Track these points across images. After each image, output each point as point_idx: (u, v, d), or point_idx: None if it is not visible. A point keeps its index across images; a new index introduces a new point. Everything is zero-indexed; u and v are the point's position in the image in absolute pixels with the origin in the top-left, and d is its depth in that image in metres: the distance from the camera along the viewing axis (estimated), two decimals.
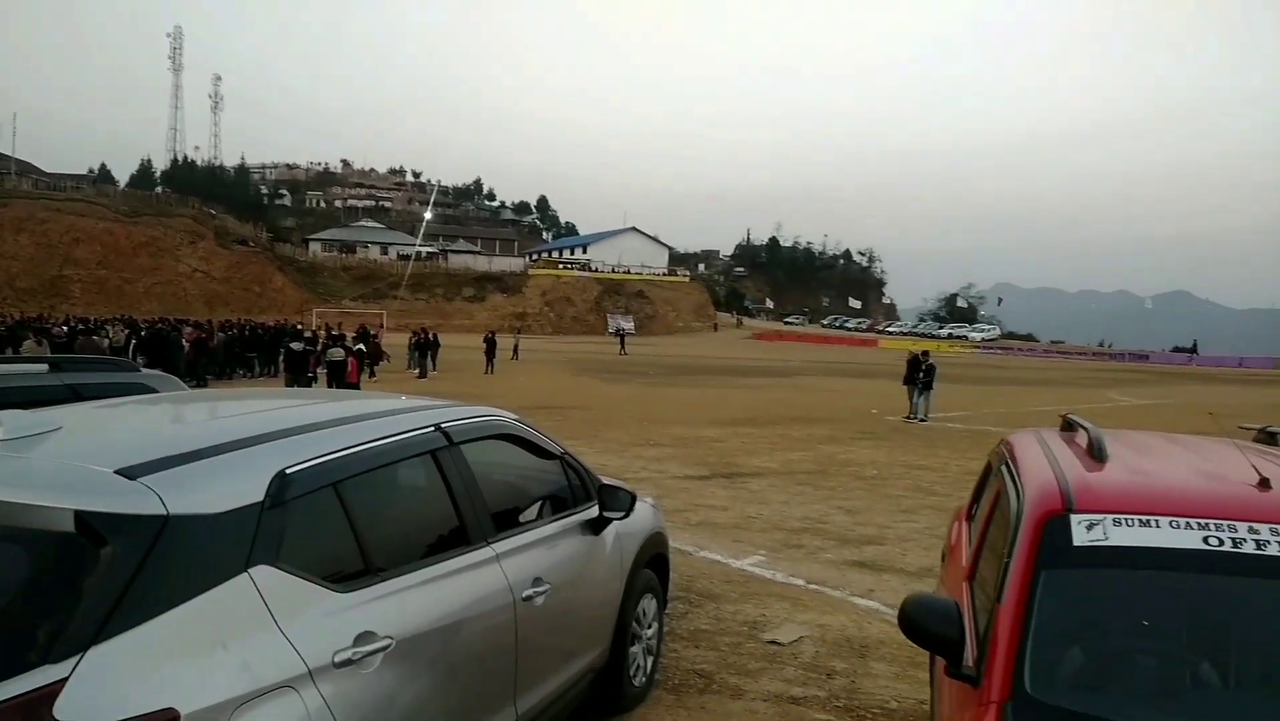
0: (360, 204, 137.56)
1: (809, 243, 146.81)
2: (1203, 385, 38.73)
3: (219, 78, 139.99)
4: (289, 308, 65.49)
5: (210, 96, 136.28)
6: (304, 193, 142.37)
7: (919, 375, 18.83)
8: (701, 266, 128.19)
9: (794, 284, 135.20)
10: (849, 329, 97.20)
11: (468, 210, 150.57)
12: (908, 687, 4.60)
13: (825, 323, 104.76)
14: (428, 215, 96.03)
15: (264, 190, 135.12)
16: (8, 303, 55.12)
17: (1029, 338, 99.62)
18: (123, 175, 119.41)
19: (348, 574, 2.45)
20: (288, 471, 2.33)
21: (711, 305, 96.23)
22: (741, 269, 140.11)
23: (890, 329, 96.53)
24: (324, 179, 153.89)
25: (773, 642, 5.18)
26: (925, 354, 19.71)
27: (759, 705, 4.34)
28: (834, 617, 5.69)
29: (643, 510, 4.40)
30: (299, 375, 19.56)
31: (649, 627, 4.45)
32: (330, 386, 18.85)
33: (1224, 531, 2.14)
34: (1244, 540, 2.11)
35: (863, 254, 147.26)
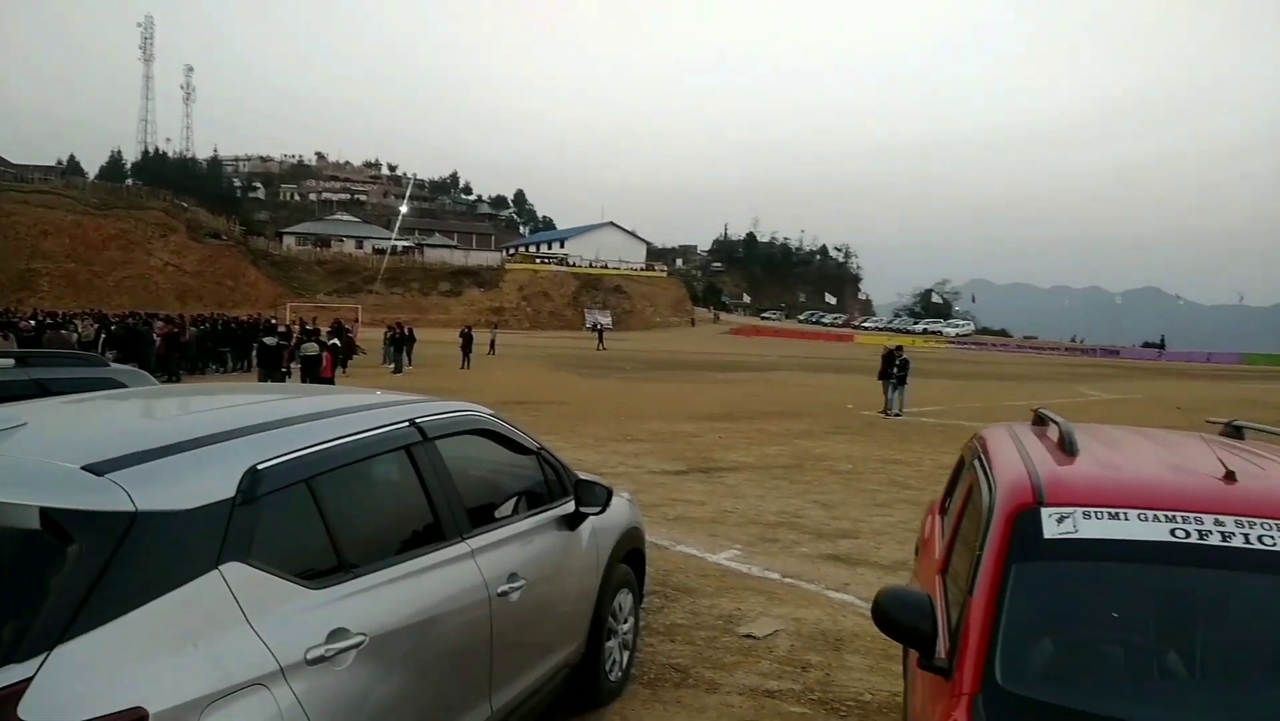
0: (335, 197, 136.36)
1: (786, 238, 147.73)
2: (1172, 380, 39.34)
3: (191, 68, 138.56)
4: (262, 302, 64.77)
5: (182, 87, 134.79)
6: (278, 185, 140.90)
7: (893, 370, 18.97)
8: (679, 261, 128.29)
9: (771, 279, 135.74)
10: (825, 324, 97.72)
11: (444, 204, 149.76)
12: (881, 680, 4.64)
13: (802, 318, 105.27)
14: (403, 209, 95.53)
15: (237, 183, 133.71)
16: None
17: (1002, 333, 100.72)
18: (92, 167, 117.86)
19: (321, 570, 2.43)
20: (259, 467, 2.31)
21: (689, 300, 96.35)
22: (719, 264, 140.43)
23: (866, 324, 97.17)
24: (298, 172, 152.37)
25: (748, 636, 5.20)
26: (899, 349, 19.86)
27: (734, 699, 4.36)
28: (809, 611, 5.72)
29: (619, 505, 4.40)
30: (272, 370, 19.34)
31: (625, 622, 4.45)
32: (304, 381, 18.67)
33: (1190, 524, 2.17)
34: (1210, 532, 2.14)
35: (839, 249, 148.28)
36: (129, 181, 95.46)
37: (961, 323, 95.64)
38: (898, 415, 18.64)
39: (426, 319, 65.76)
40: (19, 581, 1.91)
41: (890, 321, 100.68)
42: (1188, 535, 2.14)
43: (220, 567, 2.10)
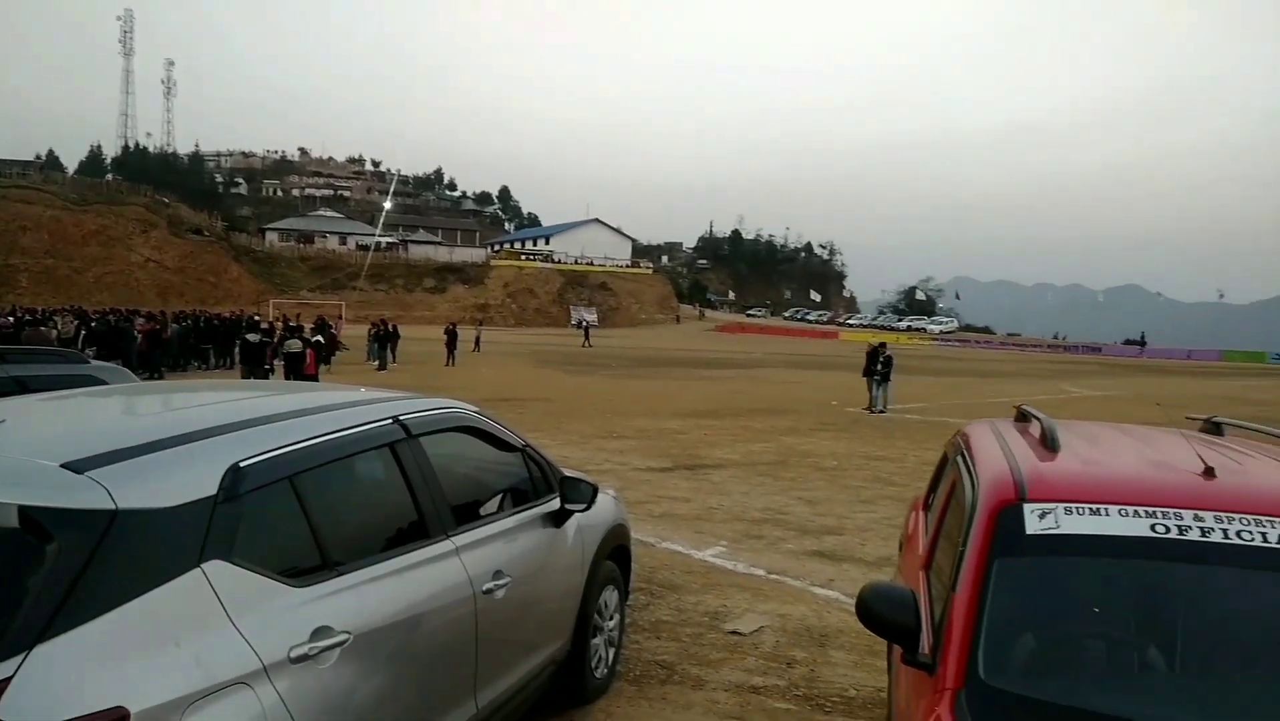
0: (318, 193, 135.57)
1: (771, 235, 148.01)
2: (1152, 377, 39.72)
3: (172, 62, 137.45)
4: (245, 298, 64.33)
5: (163, 82, 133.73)
6: (260, 181, 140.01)
7: (877, 367, 19.05)
8: (665, 259, 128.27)
9: (756, 276, 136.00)
10: (810, 321, 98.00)
11: (428, 200, 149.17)
12: (866, 676, 4.66)
13: (787, 315, 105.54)
14: (387, 205, 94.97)
15: (219, 178, 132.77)
16: None
17: (986, 330, 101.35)
18: (71, 162, 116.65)
19: (304, 568, 2.41)
20: (242, 465, 2.29)
21: (674, 297, 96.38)
22: (704, 261, 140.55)
23: (850, 321, 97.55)
24: (281, 167, 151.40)
25: (734, 633, 5.22)
26: (882, 345, 19.94)
27: (720, 695, 4.37)
28: (794, 607, 5.74)
29: (604, 502, 4.39)
30: (255, 367, 19.22)
31: (611, 619, 4.45)
32: (288, 378, 18.56)
33: (1170, 519, 2.19)
34: (1189, 527, 2.16)
35: (824, 247, 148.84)
36: (109, 176, 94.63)
37: (945, 320, 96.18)
38: (882, 411, 18.72)
39: (411, 316, 65.49)
40: None
41: (875, 318, 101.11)
42: (1168, 530, 2.16)
43: (202, 566, 2.09)
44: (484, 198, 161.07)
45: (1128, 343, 75.68)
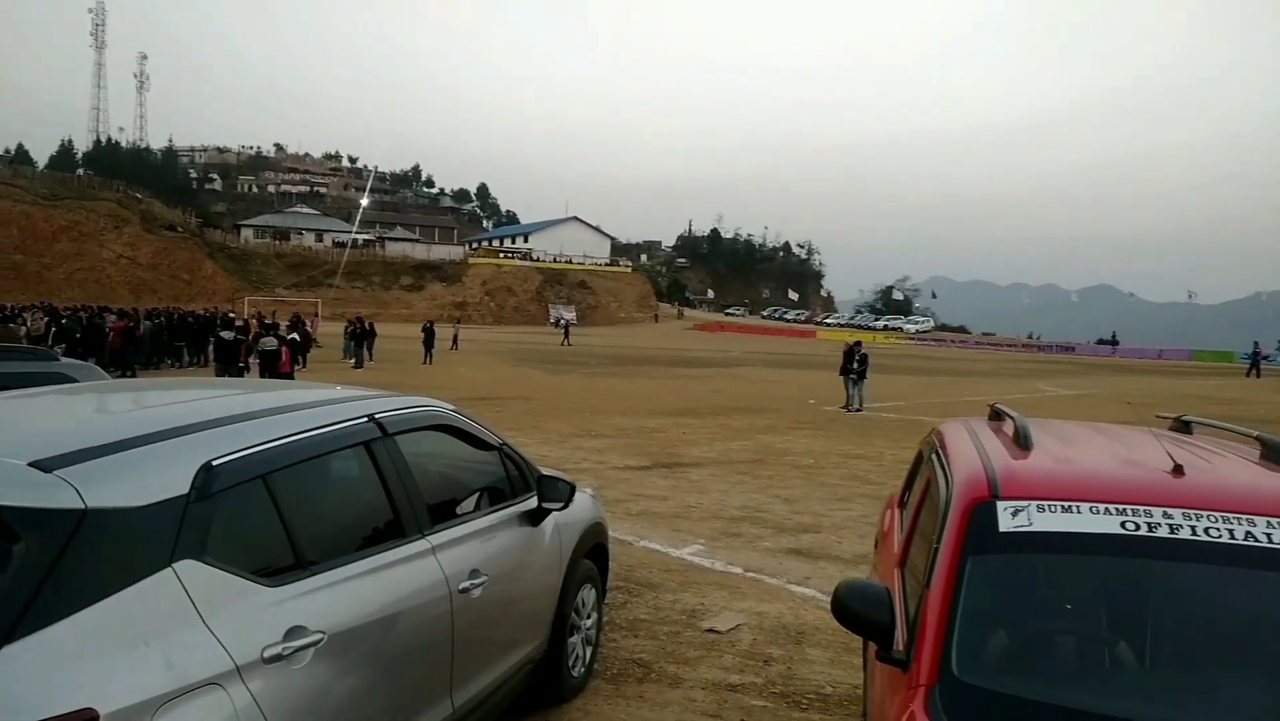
0: (294, 189, 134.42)
1: (749, 234, 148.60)
2: (1124, 376, 40.22)
3: (144, 56, 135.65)
4: (219, 295, 63.59)
5: (135, 75, 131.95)
6: (235, 177, 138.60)
7: (854, 365, 19.16)
8: (644, 257, 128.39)
9: (735, 275, 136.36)
10: (788, 320, 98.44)
11: (406, 197, 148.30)
12: (842, 673, 4.69)
13: (765, 314, 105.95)
14: (364, 201, 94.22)
15: (193, 174, 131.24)
16: None
17: (961, 329, 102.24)
18: (41, 156, 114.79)
19: (278, 568, 2.39)
20: (214, 463, 2.27)
21: (653, 296, 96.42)
22: (683, 260, 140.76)
23: (828, 320, 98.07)
24: (256, 163, 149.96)
25: (711, 631, 5.23)
26: (858, 344, 20.06)
27: (697, 693, 4.38)
28: (771, 605, 5.76)
29: (582, 500, 4.39)
30: (229, 365, 19.02)
31: (588, 618, 4.45)
32: (263, 376, 18.39)
33: (1140, 516, 2.22)
34: (1159, 524, 2.19)
35: (802, 246, 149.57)
36: (80, 172, 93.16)
37: (921, 319, 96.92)
38: (858, 410, 18.83)
39: (388, 313, 65.12)
40: None
41: (852, 318, 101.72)
42: (1138, 527, 2.19)
43: (174, 565, 2.06)
44: (462, 195, 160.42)
45: (1100, 342, 76.61)
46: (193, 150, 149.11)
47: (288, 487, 2.49)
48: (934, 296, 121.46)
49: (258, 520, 2.42)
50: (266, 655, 2.17)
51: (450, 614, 3.02)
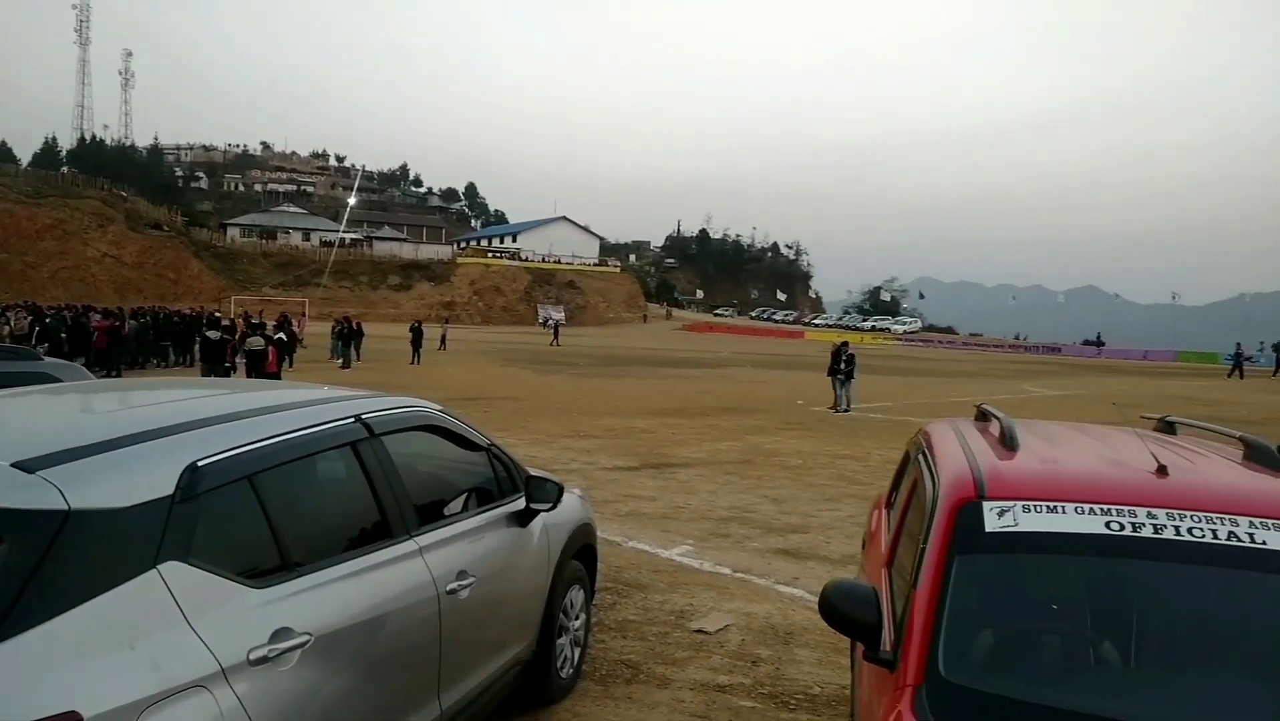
0: (281, 188, 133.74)
1: (738, 235, 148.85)
2: (1110, 377, 40.49)
3: (129, 53, 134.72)
4: (206, 295, 63.26)
5: (120, 73, 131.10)
6: (221, 176, 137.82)
7: (840, 366, 19.22)
8: (632, 257, 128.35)
9: (723, 276, 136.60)
10: (776, 321, 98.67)
11: (393, 196, 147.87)
12: (830, 673, 4.70)
13: (754, 315, 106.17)
14: (352, 200, 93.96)
15: (178, 172, 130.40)
16: None
17: (949, 330, 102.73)
18: (25, 154, 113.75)
19: (264, 569, 2.38)
20: (199, 464, 2.25)
21: (642, 296, 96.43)
22: (672, 260, 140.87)
23: (816, 321, 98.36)
24: (243, 161, 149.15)
25: (699, 631, 5.23)
26: (845, 344, 20.13)
27: (685, 694, 4.38)
28: (759, 605, 5.77)
29: (570, 501, 4.39)
30: (215, 365, 18.90)
31: (576, 619, 4.45)
32: (249, 376, 18.28)
33: (1124, 516, 2.23)
34: (1143, 525, 2.21)
35: (790, 247, 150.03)
36: (64, 169, 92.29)
37: (909, 320, 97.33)
38: (846, 410, 18.88)
39: (375, 313, 64.87)
40: None
41: (840, 318, 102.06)
42: (1122, 527, 2.21)
43: (158, 567, 2.05)
44: (450, 194, 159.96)
45: (1086, 343, 77.10)
46: (178, 148, 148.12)
47: (274, 488, 2.48)
48: (921, 297, 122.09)
49: (243, 521, 2.40)
50: (252, 657, 2.16)
51: (438, 615, 3.01)
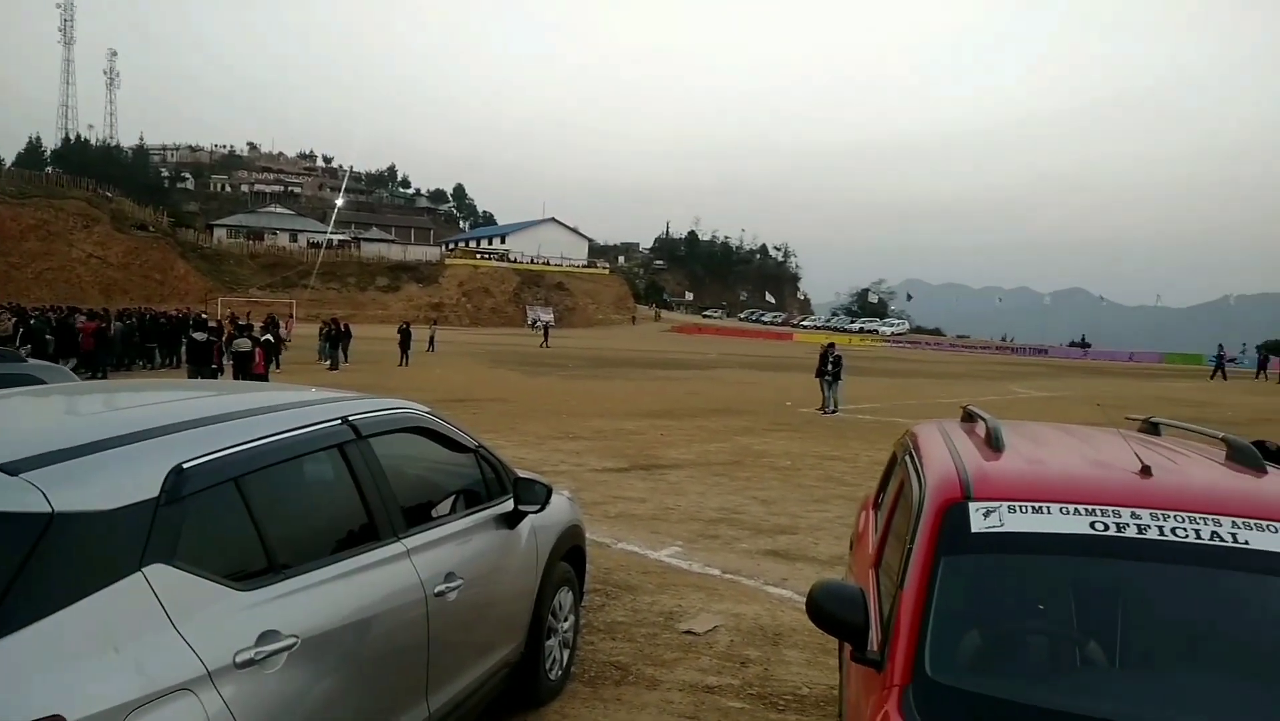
0: (268, 189, 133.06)
1: (727, 237, 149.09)
2: (1096, 378, 40.74)
3: (114, 52, 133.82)
4: (192, 296, 62.83)
5: (105, 72, 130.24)
6: (208, 176, 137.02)
7: (828, 367, 19.28)
8: (621, 259, 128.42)
9: (712, 278, 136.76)
10: (765, 323, 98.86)
11: (381, 197, 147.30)
12: (819, 674, 4.71)
13: (742, 316, 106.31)
14: (339, 201, 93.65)
15: (164, 173, 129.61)
16: None
17: (936, 332, 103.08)
18: (8, 154, 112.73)
19: (250, 571, 2.37)
20: (185, 466, 2.24)
21: (631, 298, 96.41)
22: (661, 262, 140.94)
23: (804, 323, 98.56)
24: (229, 162, 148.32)
25: (688, 632, 5.24)
26: (831, 345, 20.21)
27: (674, 695, 4.38)
28: (748, 606, 5.78)
29: (559, 503, 4.38)
30: (202, 366, 18.79)
31: (565, 621, 4.45)
32: (236, 378, 18.19)
33: (1109, 516, 2.25)
34: (1127, 525, 2.23)
35: (778, 249, 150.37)
36: (48, 169, 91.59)
37: (897, 321, 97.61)
38: (833, 412, 18.94)
39: (363, 314, 64.65)
40: None
41: (828, 320, 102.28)
42: (1106, 527, 2.22)
43: (143, 570, 2.04)
44: (438, 195, 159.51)
45: (1073, 345, 77.55)
46: (164, 148, 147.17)
47: (260, 490, 2.47)
48: (909, 299, 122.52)
49: (230, 523, 2.39)
50: (239, 660, 2.15)
51: (425, 617, 3.00)
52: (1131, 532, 2.21)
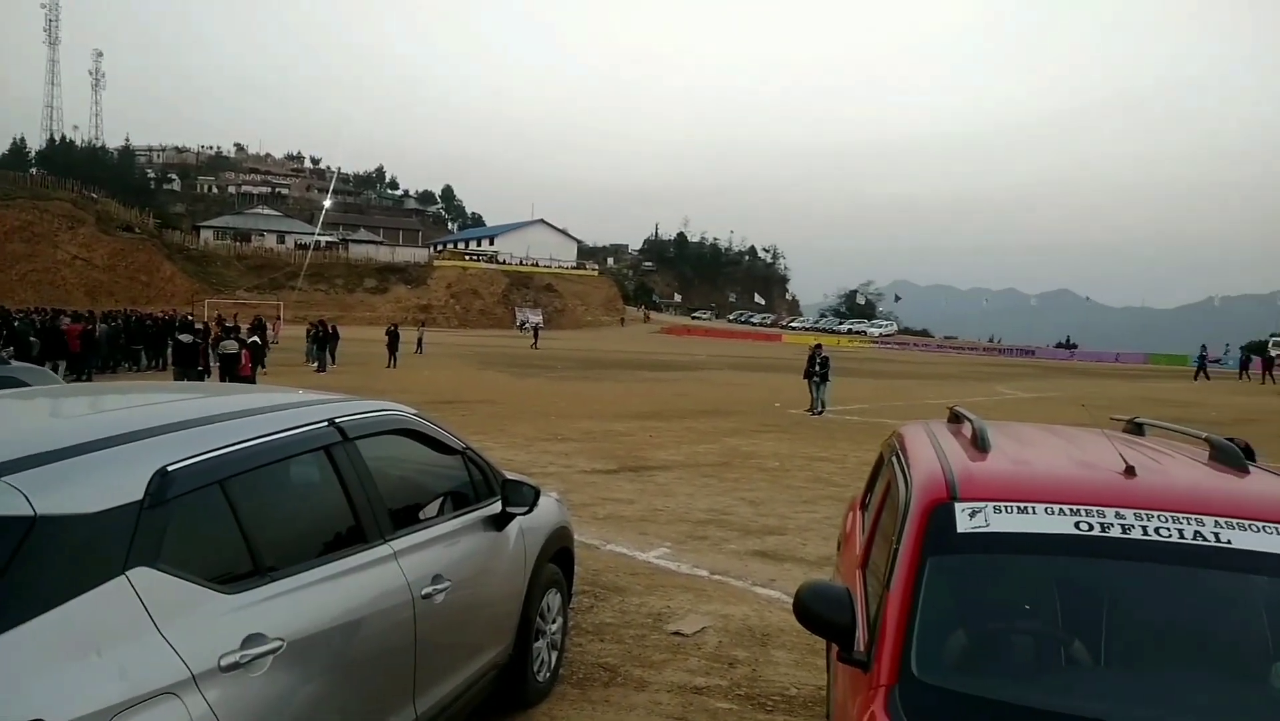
0: (255, 190, 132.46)
1: (716, 239, 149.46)
2: (1082, 379, 40.98)
3: (100, 53, 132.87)
4: (178, 298, 62.47)
5: (90, 73, 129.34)
6: (194, 177, 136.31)
7: (815, 368, 19.33)
8: (610, 260, 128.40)
9: (701, 279, 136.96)
10: (754, 324, 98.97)
11: (369, 198, 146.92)
12: (807, 674, 4.72)
13: (731, 318, 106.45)
14: (327, 203, 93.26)
15: (150, 174, 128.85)
16: None
17: (924, 333, 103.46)
18: None
19: (236, 574, 2.36)
20: (169, 469, 2.23)
21: (620, 299, 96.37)
22: (650, 263, 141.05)
23: (793, 324, 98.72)
24: (216, 163, 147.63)
25: (677, 634, 5.24)
26: (818, 347, 20.27)
27: (662, 696, 4.38)
28: (737, 607, 5.79)
29: (547, 505, 4.38)
30: (188, 368, 18.67)
31: (553, 622, 4.44)
32: (223, 380, 18.08)
33: (1093, 516, 2.26)
34: (1111, 525, 2.24)
35: (767, 250, 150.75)
36: (33, 171, 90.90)
37: (885, 323, 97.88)
38: (820, 413, 18.99)
39: (351, 316, 64.40)
40: None
41: (817, 321, 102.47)
42: (1091, 527, 2.23)
43: (127, 573, 2.02)
44: (427, 197, 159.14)
45: (1060, 346, 77.98)
46: (150, 149, 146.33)
47: (246, 493, 2.46)
48: (897, 300, 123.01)
49: (215, 526, 2.38)
50: (224, 663, 2.14)
51: (413, 619, 2.99)
52: (1116, 532, 2.22)
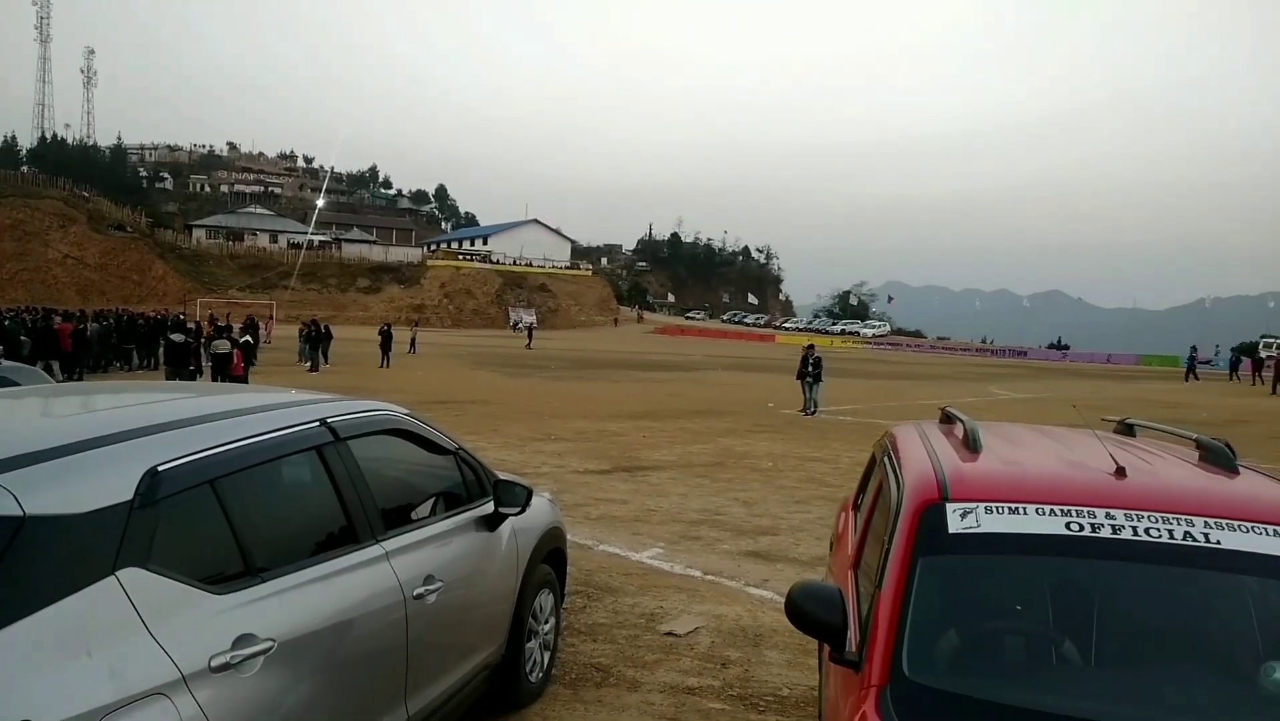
0: (248, 189, 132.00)
1: (709, 239, 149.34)
2: (1074, 380, 41.12)
3: (92, 50, 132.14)
4: (171, 297, 62.27)
5: (82, 70, 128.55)
6: (187, 176, 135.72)
7: (808, 369, 19.37)
8: (604, 260, 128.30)
9: (695, 279, 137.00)
10: (748, 324, 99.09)
11: (363, 198, 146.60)
12: (799, 675, 4.73)
13: (725, 318, 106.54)
14: (320, 202, 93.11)
15: (143, 172, 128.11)
16: None
17: (917, 334, 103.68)
18: None
19: (226, 575, 2.35)
20: (160, 469, 2.22)
21: (614, 299, 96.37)
22: (644, 264, 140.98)
23: (787, 325, 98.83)
24: (209, 162, 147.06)
25: (669, 634, 5.24)
26: (811, 347, 20.32)
27: (655, 696, 4.38)
28: (729, 608, 5.79)
29: (540, 505, 4.37)
30: (180, 368, 18.62)
31: (546, 623, 4.44)
32: (215, 380, 18.03)
33: (1084, 517, 2.27)
34: (1101, 525, 2.25)
35: (761, 251, 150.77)
36: (24, 169, 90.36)
37: (878, 323, 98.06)
38: (813, 413, 19.01)
39: (344, 316, 64.30)
40: None
41: (810, 322, 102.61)
42: (1081, 528, 2.24)
43: (117, 573, 2.02)
44: (420, 196, 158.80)
45: (1051, 346, 78.25)
46: (142, 148, 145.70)
47: (237, 493, 2.45)
48: (890, 301, 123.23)
49: (206, 526, 2.37)
50: (214, 664, 2.13)
51: (404, 620, 2.98)
52: (1106, 533, 2.23)
